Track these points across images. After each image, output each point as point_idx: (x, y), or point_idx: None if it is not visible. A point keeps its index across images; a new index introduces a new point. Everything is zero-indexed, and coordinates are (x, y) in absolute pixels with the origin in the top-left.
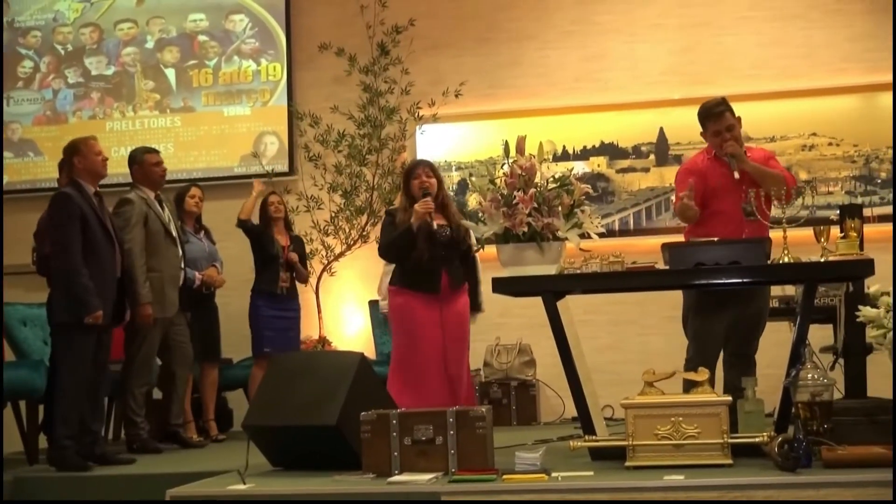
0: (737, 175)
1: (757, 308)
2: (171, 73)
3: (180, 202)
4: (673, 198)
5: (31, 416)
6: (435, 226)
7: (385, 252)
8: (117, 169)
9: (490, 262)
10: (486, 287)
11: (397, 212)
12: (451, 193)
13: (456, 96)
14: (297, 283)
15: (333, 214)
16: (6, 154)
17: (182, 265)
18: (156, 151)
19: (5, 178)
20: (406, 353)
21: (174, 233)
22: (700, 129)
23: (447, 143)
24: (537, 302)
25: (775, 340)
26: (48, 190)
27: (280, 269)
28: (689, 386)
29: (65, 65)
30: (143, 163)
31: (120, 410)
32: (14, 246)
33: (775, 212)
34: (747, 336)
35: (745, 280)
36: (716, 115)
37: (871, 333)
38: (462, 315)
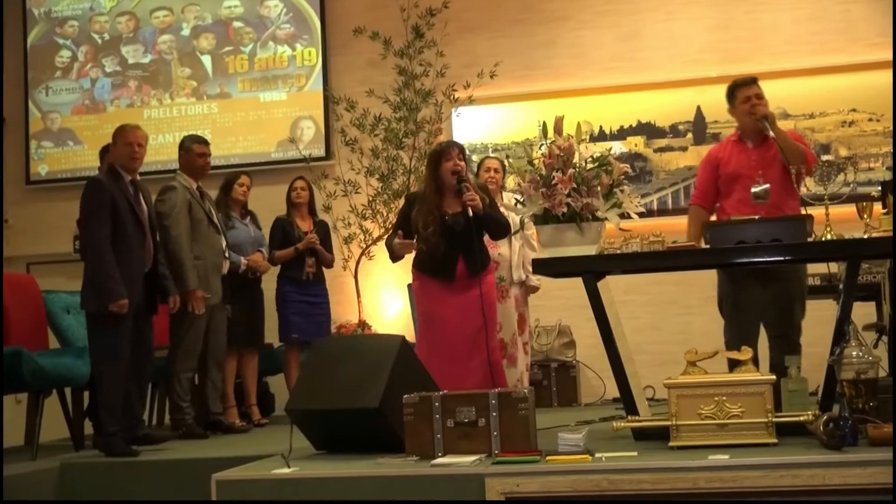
0: (771, 133)
1: (790, 287)
2: (207, 60)
3: (228, 189)
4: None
5: (76, 402)
6: (450, 215)
7: (386, 247)
8: (155, 157)
9: None
10: None
11: (416, 200)
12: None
13: (491, 78)
14: (329, 269)
15: (371, 198)
16: (46, 144)
17: (226, 254)
18: (204, 142)
19: (46, 168)
20: (423, 336)
21: (216, 221)
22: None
23: (483, 125)
24: (576, 283)
25: (818, 318)
26: (88, 179)
27: (305, 255)
28: (733, 366)
29: (102, 54)
30: (190, 151)
31: (162, 396)
32: (55, 234)
33: (816, 189)
34: (784, 316)
35: (786, 258)
36: (746, 83)
37: None
38: (483, 300)
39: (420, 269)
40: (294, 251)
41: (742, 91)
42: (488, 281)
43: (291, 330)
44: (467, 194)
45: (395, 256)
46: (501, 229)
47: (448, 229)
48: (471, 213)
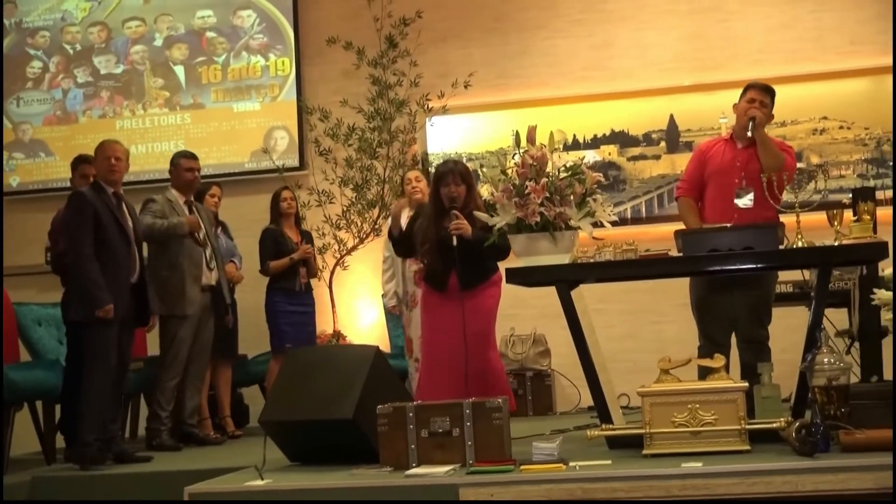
0: (749, 133)
1: (761, 292)
2: (180, 71)
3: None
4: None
5: (48, 415)
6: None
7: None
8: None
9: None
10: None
11: (422, 213)
12: None
13: (465, 87)
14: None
15: (345, 208)
16: (17, 155)
17: (210, 265)
18: (192, 157)
19: (17, 179)
20: (424, 344)
21: (198, 234)
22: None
23: (457, 135)
24: (551, 292)
25: (790, 325)
26: (60, 190)
27: (298, 265)
28: (704, 374)
29: (74, 64)
30: (178, 166)
31: (136, 408)
32: (27, 246)
33: (788, 196)
34: (753, 319)
35: (758, 265)
36: (761, 87)
37: (885, 316)
38: (475, 313)
39: (423, 277)
40: (290, 261)
41: (750, 92)
42: (486, 293)
43: (285, 340)
44: (452, 223)
45: (395, 236)
46: (496, 252)
47: (443, 243)
48: (454, 243)
